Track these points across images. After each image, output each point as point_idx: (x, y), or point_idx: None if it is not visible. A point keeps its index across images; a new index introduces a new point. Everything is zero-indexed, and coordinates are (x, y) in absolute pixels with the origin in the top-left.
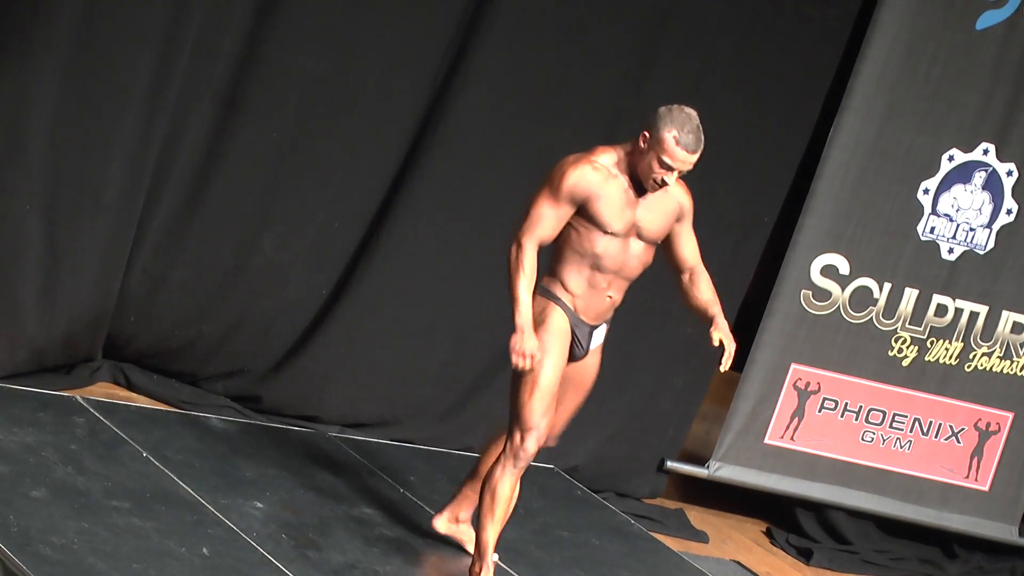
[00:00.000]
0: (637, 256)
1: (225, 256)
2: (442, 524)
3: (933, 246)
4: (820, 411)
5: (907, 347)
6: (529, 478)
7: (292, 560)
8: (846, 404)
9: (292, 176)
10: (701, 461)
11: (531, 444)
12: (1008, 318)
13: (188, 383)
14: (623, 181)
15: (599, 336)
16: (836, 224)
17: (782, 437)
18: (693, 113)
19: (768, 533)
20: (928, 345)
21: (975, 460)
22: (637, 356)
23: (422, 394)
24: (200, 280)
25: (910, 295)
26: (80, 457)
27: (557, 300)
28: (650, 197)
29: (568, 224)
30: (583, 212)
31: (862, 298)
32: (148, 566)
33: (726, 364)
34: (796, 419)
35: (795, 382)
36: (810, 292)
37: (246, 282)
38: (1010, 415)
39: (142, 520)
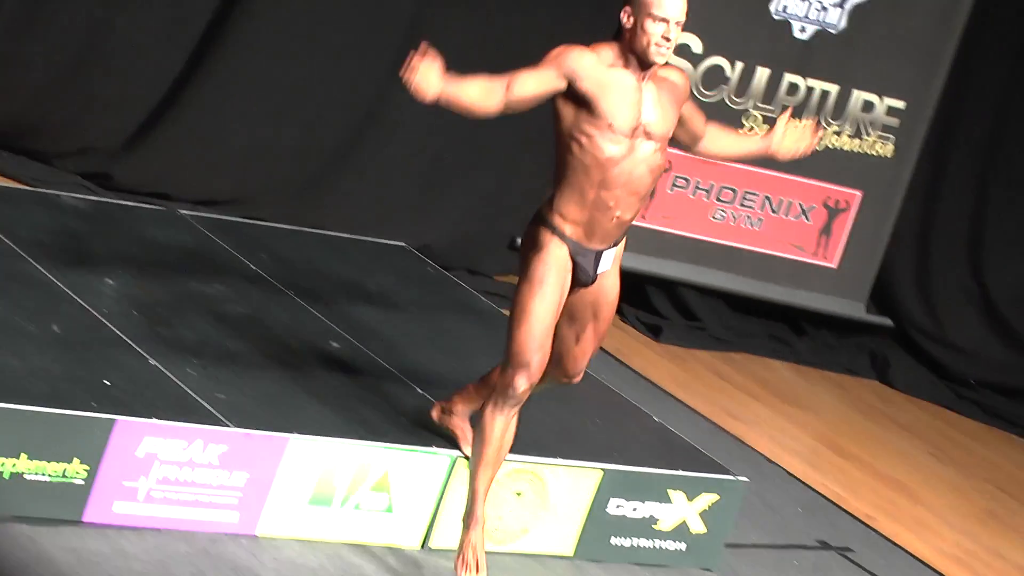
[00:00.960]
0: (646, 161)
1: (77, 34)
2: (435, 413)
3: (785, 24)
4: (671, 189)
5: (759, 126)
6: (380, 257)
7: (143, 337)
8: (697, 182)
9: None
10: None
11: (521, 383)
12: (858, 97)
13: (39, 161)
14: (621, 72)
15: (608, 259)
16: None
17: None
18: None
19: (619, 310)
20: None
21: (824, 238)
22: (490, 134)
23: (274, 172)
24: (52, 58)
25: (762, 74)
26: None
27: (554, 230)
28: (651, 89)
29: (569, 137)
30: (580, 102)
31: (714, 77)
32: None
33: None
34: (647, 197)
35: None
36: None
37: (99, 60)
38: (859, 193)
39: None
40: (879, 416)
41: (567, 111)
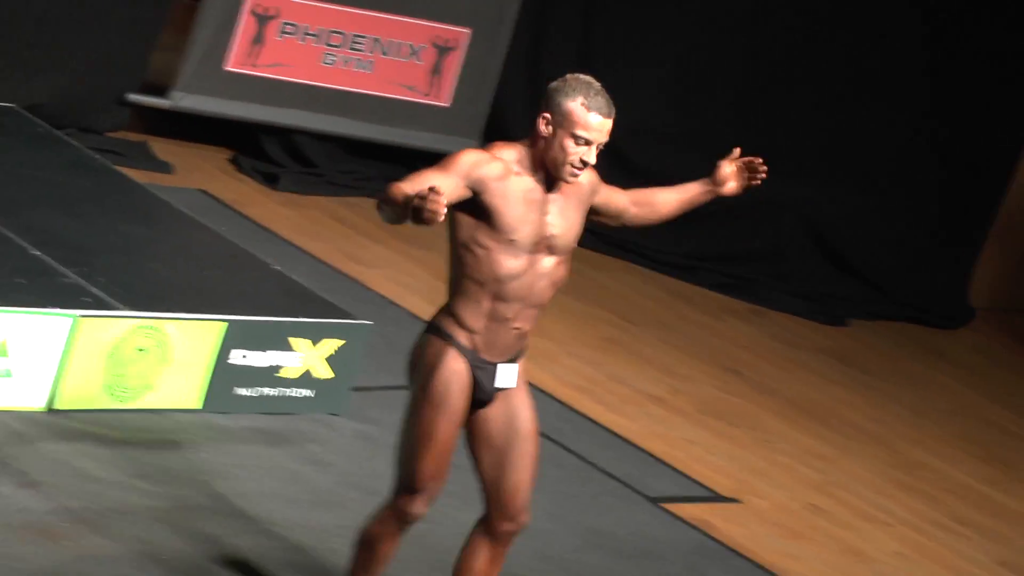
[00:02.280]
0: (548, 275)
1: None
2: None
3: None
4: (280, 36)
5: None
6: None
7: None
8: (306, 28)
9: None
10: (164, 92)
11: (418, 508)
12: None
13: None
14: (527, 181)
15: (508, 375)
16: None
17: (243, 64)
18: (591, 79)
19: (234, 161)
20: None
21: (435, 78)
22: None
23: None
24: None
25: None
26: None
27: (450, 339)
28: (558, 199)
29: (465, 246)
30: (483, 213)
31: None
32: None
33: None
34: (257, 45)
35: (253, 8)
36: None
37: None
38: (467, 31)
39: None
40: None
41: (466, 219)
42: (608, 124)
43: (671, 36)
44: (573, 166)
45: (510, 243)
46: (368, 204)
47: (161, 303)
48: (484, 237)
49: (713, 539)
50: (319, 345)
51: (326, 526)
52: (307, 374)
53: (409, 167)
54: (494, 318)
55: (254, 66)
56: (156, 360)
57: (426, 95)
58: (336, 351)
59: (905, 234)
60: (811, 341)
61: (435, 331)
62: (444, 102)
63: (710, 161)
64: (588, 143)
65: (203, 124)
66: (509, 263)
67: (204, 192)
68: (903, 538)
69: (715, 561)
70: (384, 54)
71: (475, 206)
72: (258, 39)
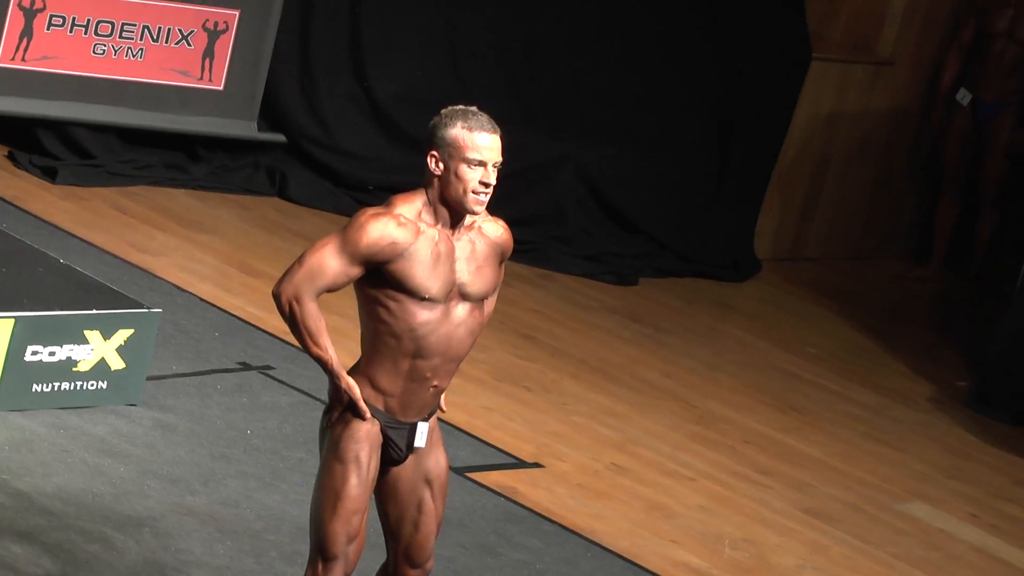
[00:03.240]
0: (464, 324)
1: None
2: None
3: None
4: (49, 28)
5: None
6: None
7: None
8: (74, 19)
9: None
10: None
11: None
12: None
13: None
14: (432, 233)
15: (422, 435)
16: None
17: (13, 59)
18: (465, 106)
19: (11, 157)
20: None
21: (207, 61)
22: None
23: None
24: None
25: None
26: None
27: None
28: (466, 247)
29: (377, 305)
30: (390, 279)
31: None
32: None
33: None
34: (25, 39)
35: (20, 2)
36: None
37: None
38: (236, 12)
39: None
40: (283, 231)
41: (374, 276)
42: (497, 141)
43: (438, 5)
44: (475, 192)
45: (422, 298)
46: (150, 191)
47: None
48: (396, 293)
49: (519, 505)
50: (111, 336)
51: (130, 517)
52: (100, 365)
53: (188, 152)
54: (412, 378)
55: (24, 60)
56: None
57: (199, 80)
58: (127, 341)
59: (688, 190)
60: (601, 302)
61: None
62: (218, 85)
63: None
64: (482, 163)
65: None
66: (423, 313)
67: None
68: (706, 491)
69: (522, 527)
70: (154, 41)
71: (381, 271)
72: (26, 32)
